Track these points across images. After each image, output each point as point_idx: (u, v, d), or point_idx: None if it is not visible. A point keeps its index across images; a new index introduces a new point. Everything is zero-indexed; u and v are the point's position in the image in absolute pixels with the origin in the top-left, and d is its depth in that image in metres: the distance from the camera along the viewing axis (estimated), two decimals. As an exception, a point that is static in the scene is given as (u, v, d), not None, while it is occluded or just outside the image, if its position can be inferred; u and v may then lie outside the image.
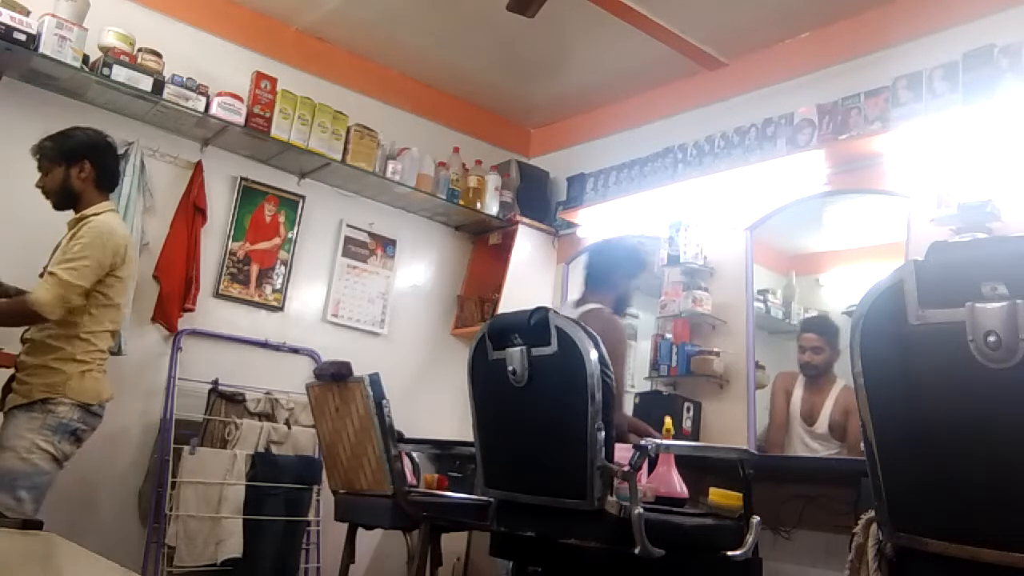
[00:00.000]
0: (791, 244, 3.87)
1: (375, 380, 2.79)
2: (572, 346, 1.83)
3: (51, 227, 2.76)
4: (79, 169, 2.68)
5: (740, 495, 2.01)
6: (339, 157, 3.77)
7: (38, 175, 2.72)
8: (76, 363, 2.54)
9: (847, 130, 3.10)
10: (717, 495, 2.04)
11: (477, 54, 4.09)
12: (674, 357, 3.49)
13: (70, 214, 2.71)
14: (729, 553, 1.93)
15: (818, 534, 2.79)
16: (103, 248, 2.56)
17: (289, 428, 3.61)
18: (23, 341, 2.62)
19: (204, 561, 3.24)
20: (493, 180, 4.31)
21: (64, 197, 2.70)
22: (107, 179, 2.78)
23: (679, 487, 2.12)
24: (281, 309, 3.86)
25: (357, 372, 2.86)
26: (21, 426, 2.46)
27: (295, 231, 3.91)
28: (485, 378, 2.08)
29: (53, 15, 3.05)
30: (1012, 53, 2.70)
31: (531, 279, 4.27)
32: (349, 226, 4.10)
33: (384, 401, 2.77)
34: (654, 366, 3.57)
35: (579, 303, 2.87)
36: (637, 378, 3.88)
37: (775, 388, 3.36)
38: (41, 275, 2.58)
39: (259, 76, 3.61)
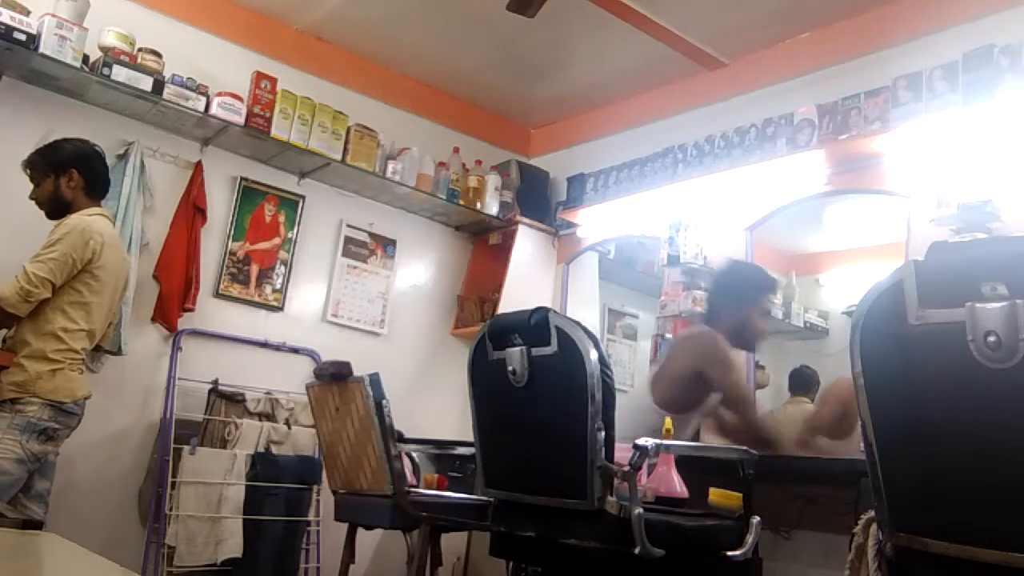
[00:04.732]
0: (791, 244, 3.87)
1: (375, 380, 2.79)
2: (572, 346, 1.83)
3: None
4: (68, 178, 2.73)
5: (740, 495, 2.01)
6: (339, 157, 3.77)
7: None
8: (47, 361, 2.53)
9: (847, 130, 3.10)
10: (717, 495, 2.04)
11: (477, 54, 4.08)
12: (674, 357, 3.48)
13: None
14: (729, 553, 1.93)
15: (818, 534, 2.78)
16: (74, 244, 2.57)
17: (289, 428, 3.60)
18: (3, 340, 2.63)
19: (204, 561, 3.24)
20: (493, 180, 4.31)
21: (56, 206, 2.74)
22: (97, 186, 2.81)
23: (679, 487, 2.11)
24: (281, 309, 3.85)
25: (357, 372, 2.86)
26: None
27: (295, 231, 3.91)
28: (485, 378, 2.08)
29: (53, 15, 3.05)
30: (1012, 53, 2.70)
31: (531, 279, 4.27)
32: (349, 226, 4.10)
33: (384, 401, 2.77)
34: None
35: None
36: (637, 378, 3.89)
37: None
38: None
39: (259, 76, 3.61)
